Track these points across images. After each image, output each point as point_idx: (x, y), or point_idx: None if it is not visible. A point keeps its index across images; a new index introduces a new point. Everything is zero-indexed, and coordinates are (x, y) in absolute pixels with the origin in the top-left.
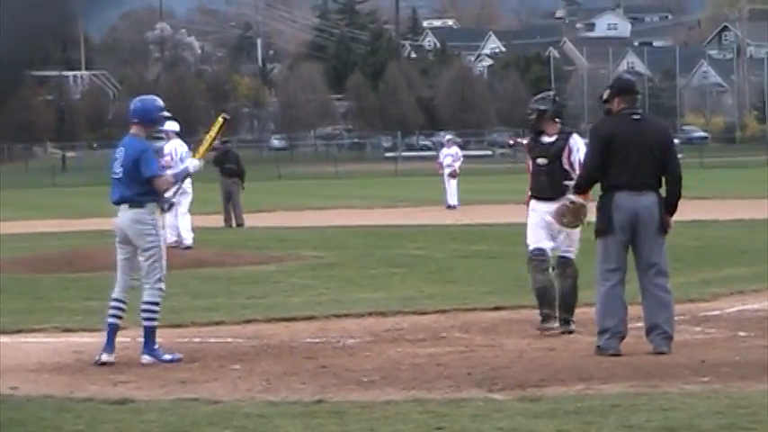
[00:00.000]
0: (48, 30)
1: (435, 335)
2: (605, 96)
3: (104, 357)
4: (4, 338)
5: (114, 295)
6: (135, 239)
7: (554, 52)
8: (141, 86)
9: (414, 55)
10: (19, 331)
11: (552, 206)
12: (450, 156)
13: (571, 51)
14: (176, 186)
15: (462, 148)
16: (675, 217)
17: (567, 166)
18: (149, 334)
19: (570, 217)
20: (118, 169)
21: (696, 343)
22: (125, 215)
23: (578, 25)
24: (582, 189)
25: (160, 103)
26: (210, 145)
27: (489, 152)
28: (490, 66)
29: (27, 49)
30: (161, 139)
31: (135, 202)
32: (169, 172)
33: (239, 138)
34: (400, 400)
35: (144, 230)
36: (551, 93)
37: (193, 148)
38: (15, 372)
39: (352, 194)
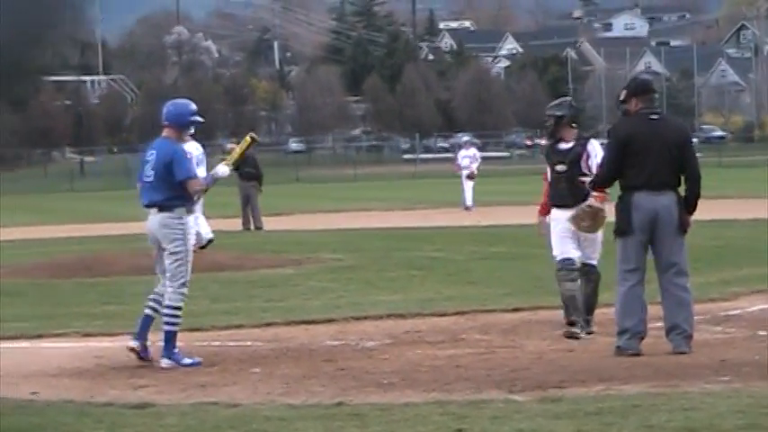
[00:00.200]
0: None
1: (454, 336)
2: (623, 97)
3: (131, 343)
4: (25, 343)
5: (156, 289)
6: (163, 242)
7: (571, 53)
8: (159, 91)
9: (431, 57)
10: (39, 336)
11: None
12: (468, 157)
13: (588, 52)
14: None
15: (480, 149)
16: (695, 216)
17: (585, 170)
18: (169, 338)
19: (589, 221)
20: (149, 173)
21: (716, 342)
22: (154, 219)
23: (595, 25)
24: (598, 187)
25: (193, 107)
26: (236, 160)
27: (507, 153)
28: (507, 67)
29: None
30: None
31: (164, 207)
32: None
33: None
34: (420, 402)
35: (172, 234)
36: (568, 98)
37: (210, 152)
38: (35, 377)
39: (370, 197)
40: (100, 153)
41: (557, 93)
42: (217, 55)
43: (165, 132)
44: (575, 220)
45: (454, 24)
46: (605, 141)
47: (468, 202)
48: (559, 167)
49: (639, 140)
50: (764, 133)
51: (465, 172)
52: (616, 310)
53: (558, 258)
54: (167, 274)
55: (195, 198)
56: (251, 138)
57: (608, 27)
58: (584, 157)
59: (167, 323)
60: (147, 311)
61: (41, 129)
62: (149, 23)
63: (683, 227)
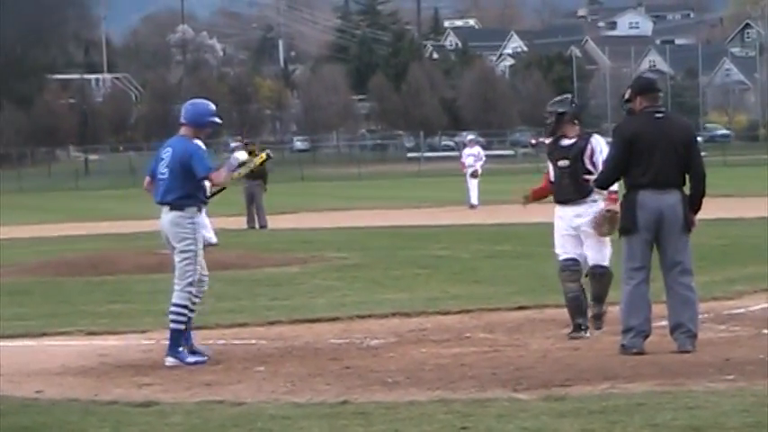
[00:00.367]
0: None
1: (460, 335)
2: (627, 96)
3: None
4: (29, 342)
5: None
6: (173, 241)
7: (576, 51)
8: (163, 89)
9: (435, 55)
10: (43, 335)
11: (577, 209)
12: (473, 156)
13: (593, 50)
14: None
15: (485, 148)
16: (699, 215)
17: (589, 166)
18: (174, 336)
19: (608, 226)
20: (163, 170)
21: (721, 341)
22: (166, 217)
23: (600, 24)
24: (602, 187)
25: (212, 107)
26: (246, 171)
27: (512, 152)
28: (512, 65)
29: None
30: None
31: (176, 205)
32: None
33: (262, 140)
34: (425, 400)
35: (182, 233)
36: (569, 95)
37: (215, 150)
38: (40, 375)
39: (375, 195)
40: (104, 151)
41: (561, 91)
42: (221, 54)
43: (182, 131)
44: (596, 226)
45: (459, 23)
46: (610, 139)
47: (474, 200)
48: (562, 163)
49: (645, 139)
50: None
51: (469, 170)
52: (621, 308)
53: (561, 258)
54: (176, 272)
55: (226, 184)
56: (267, 155)
57: (612, 26)
58: (589, 153)
59: (173, 321)
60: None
61: (46, 127)
62: (154, 22)
63: (688, 226)
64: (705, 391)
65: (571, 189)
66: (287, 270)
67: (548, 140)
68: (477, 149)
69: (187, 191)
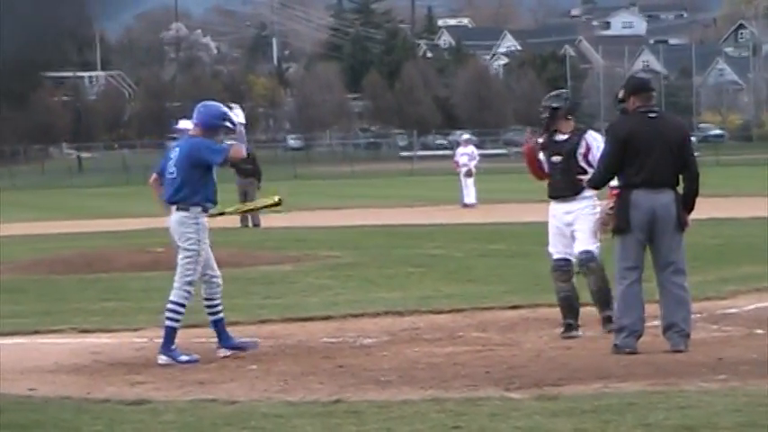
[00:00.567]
0: (62, 30)
1: (452, 334)
2: (621, 95)
3: (220, 353)
4: (22, 339)
5: (202, 293)
6: (178, 240)
7: (570, 51)
8: (157, 87)
9: (429, 54)
10: (36, 332)
11: (567, 206)
12: (467, 155)
13: (587, 50)
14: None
15: (478, 147)
16: (693, 215)
17: (583, 164)
18: (169, 334)
19: (614, 223)
20: (171, 169)
21: (713, 341)
22: (173, 216)
23: (594, 23)
24: (595, 186)
25: (224, 110)
26: (252, 209)
27: (505, 151)
28: (506, 64)
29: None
30: (176, 138)
31: (181, 206)
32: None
33: (255, 138)
34: (418, 399)
35: (185, 233)
36: (564, 91)
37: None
38: (33, 373)
39: (368, 194)
40: (98, 149)
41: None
42: (215, 51)
43: (193, 132)
44: (601, 225)
45: (452, 21)
46: (603, 138)
47: (472, 199)
48: (555, 158)
49: (638, 139)
50: (762, 132)
51: (463, 169)
52: (614, 307)
53: (554, 258)
54: (177, 270)
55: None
56: (278, 200)
57: (606, 25)
58: (583, 150)
59: (169, 318)
60: (210, 318)
61: (41, 125)
62: (148, 20)
63: (681, 225)
64: (698, 390)
65: (563, 186)
66: (280, 268)
67: (540, 140)
68: (471, 149)
69: (193, 190)
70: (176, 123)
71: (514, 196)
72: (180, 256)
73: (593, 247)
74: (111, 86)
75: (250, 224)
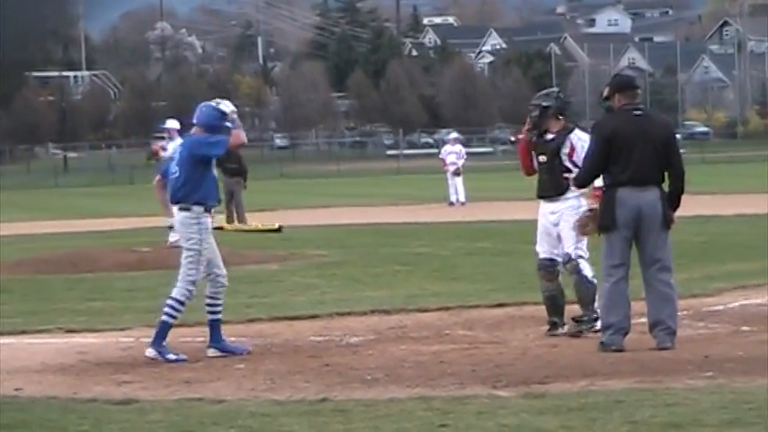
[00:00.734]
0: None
1: (439, 332)
2: (606, 93)
3: (209, 352)
4: (8, 339)
5: (205, 292)
6: (181, 240)
7: (555, 49)
8: (143, 86)
9: (415, 53)
10: (23, 332)
11: (552, 206)
12: (455, 153)
13: (572, 47)
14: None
15: (464, 145)
16: (678, 212)
17: (568, 164)
18: (162, 329)
19: (592, 225)
20: (174, 169)
21: (700, 338)
22: (177, 216)
23: (579, 21)
24: (581, 185)
25: (225, 110)
26: (252, 231)
27: (491, 149)
28: (491, 63)
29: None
30: (163, 138)
31: (183, 206)
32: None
33: None
34: (404, 397)
35: (188, 232)
36: (555, 89)
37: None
38: (19, 373)
39: (354, 193)
40: (83, 149)
41: (541, 88)
42: (200, 51)
43: (194, 131)
44: (579, 227)
45: (438, 20)
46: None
47: (461, 197)
48: (541, 158)
49: (624, 136)
50: (747, 129)
51: (452, 168)
52: (600, 305)
53: (540, 257)
54: (180, 269)
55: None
56: (279, 227)
57: (591, 23)
58: (568, 150)
59: (166, 314)
60: (209, 317)
61: (26, 124)
62: (133, 19)
63: (667, 223)
64: (684, 388)
65: (548, 185)
66: (266, 267)
67: (532, 138)
68: (458, 147)
69: (195, 190)
70: (164, 123)
71: (500, 194)
72: (183, 256)
73: (571, 249)
74: (96, 86)
75: (236, 223)
